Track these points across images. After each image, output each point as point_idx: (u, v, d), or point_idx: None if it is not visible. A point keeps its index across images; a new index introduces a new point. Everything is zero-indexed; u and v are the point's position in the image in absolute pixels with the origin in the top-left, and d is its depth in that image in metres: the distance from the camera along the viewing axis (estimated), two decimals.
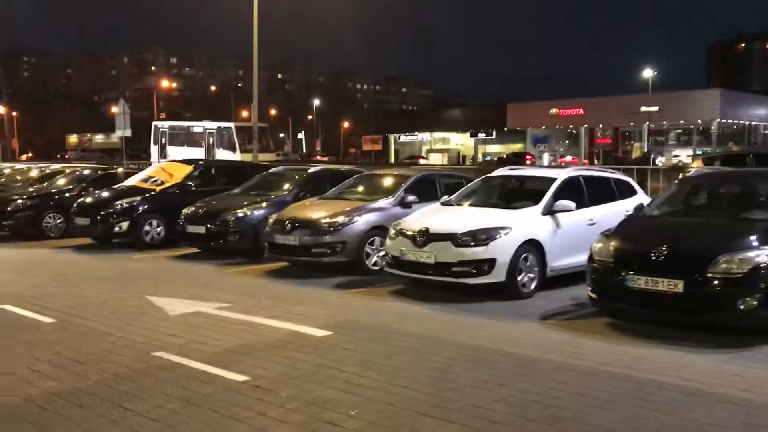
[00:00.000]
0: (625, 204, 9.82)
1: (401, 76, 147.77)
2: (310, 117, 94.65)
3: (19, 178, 19.40)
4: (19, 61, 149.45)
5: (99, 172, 17.08)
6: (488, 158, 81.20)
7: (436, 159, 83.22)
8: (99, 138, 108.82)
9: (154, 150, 36.00)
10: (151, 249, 13.62)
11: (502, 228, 8.47)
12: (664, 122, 65.75)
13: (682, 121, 66.75)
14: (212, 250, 12.55)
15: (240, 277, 10.67)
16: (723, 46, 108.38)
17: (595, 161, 70.50)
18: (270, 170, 14.67)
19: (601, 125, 71.76)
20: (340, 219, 10.30)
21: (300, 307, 8.20)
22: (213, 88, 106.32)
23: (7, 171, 21.24)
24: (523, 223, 8.69)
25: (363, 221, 10.39)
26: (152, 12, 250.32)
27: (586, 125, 72.12)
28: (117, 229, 13.66)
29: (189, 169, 14.92)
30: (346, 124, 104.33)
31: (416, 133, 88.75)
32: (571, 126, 73.41)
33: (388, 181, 11.94)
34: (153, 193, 14.19)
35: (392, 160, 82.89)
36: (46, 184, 17.03)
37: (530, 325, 7.39)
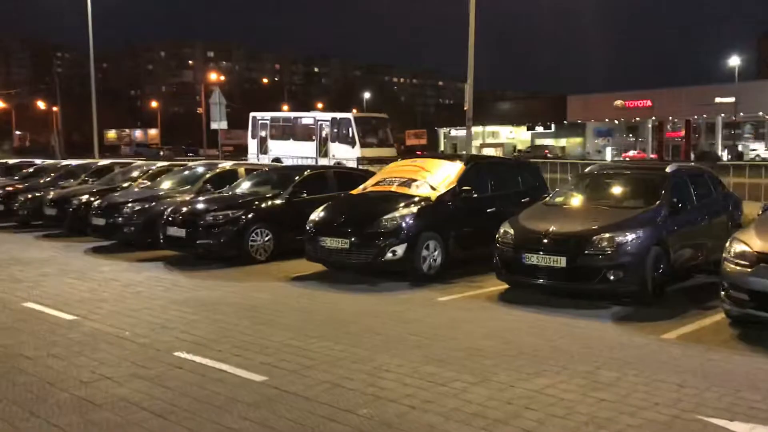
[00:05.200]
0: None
1: (436, 69, 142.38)
2: (355, 111, 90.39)
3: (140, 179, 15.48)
4: (52, 57, 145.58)
5: (304, 171, 12.61)
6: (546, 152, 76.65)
7: (490, 153, 78.78)
8: (137, 133, 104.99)
9: (253, 144, 31.39)
10: (431, 283, 9.28)
11: None
12: (741, 114, 60.98)
13: (760, 113, 61.93)
14: (565, 292, 8.16)
15: (709, 355, 6.22)
16: None
17: (665, 156, 65.90)
18: (590, 169, 10.21)
19: (670, 117, 67.05)
20: None
21: None
22: (265, 80, 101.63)
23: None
24: None
25: None
26: (186, 6, 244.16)
27: (653, 117, 67.41)
28: (390, 255, 9.24)
29: (460, 167, 10.46)
30: None
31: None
32: (638, 119, 68.74)
33: None
34: (428, 202, 9.78)
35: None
36: (229, 187, 12.67)
37: None
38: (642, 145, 69.28)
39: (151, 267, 10.96)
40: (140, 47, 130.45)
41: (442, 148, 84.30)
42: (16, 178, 20.45)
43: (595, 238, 7.79)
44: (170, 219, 11.35)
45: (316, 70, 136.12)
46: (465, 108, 19.05)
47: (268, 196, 11.70)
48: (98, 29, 31.85)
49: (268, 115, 32.52)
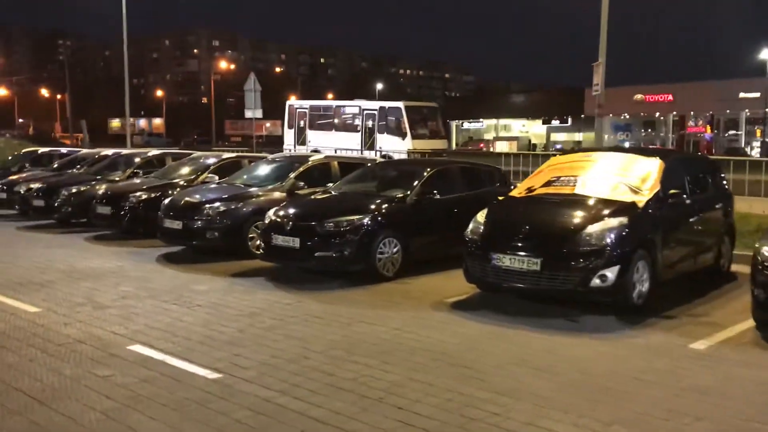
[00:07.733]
0: None
1: (442, 60, 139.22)
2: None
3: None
4: (54, 45, 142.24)
5: (426, 167, 10.23)
6: (559, 147, 74.50)
7: (503, 147, 76.34)
8: (142, 122, 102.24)
9: (289, 135, 28.92)
10: (644, 317, 6.98)
11: None
12: (767, 110, 58.78)
13: None
14: None
15: None
16: None
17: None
18: None
19: (692, 113, 64.83)
20: None
21: None
22: (278, 69, 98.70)
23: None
24: None
25: None
26: None
27: (675, 112, 65.15)
28: (597, 281, 6.85)
29: (659, 164, 8.09)
30: None
31: (481, 119, 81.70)
32: (658, 113, 66.50)
33: None
34: (635, 210, 7.45)
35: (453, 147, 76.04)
36: (340, 184, 10.29)
37: None
38: (661, 140, 67.16)
39: (255, 285, 8.63)
40: (145, 37, 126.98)
41: (454, 140, 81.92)
42: (45, 170, 18.02)
43: None
44: (276, 225, 9.00)
45: (322, 61, 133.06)
46: (594, 93, 16.62)
47: (392, 197, 9.35)
48: (103, 17, 29.23)
49: (306, 103, 30.03)
